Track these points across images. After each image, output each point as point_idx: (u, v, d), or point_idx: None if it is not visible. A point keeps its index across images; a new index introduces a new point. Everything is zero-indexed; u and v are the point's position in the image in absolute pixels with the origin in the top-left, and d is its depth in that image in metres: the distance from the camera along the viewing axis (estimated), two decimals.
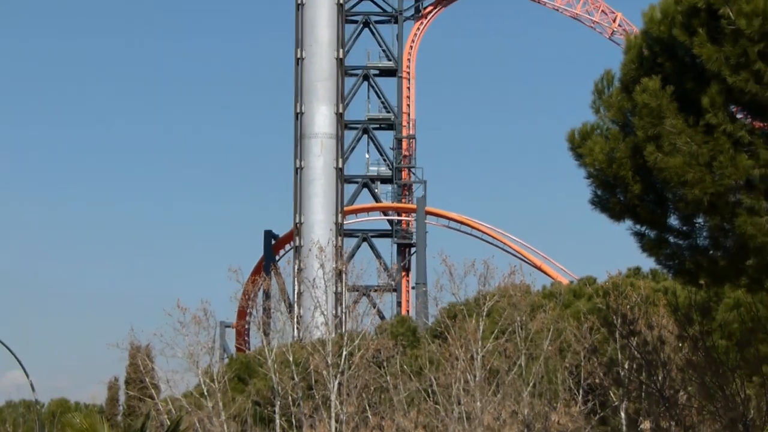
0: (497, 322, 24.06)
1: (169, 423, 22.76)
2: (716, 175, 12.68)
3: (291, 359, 24.91)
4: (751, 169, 12.77)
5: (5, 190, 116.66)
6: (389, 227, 56.70)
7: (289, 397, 24.89)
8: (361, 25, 57.36)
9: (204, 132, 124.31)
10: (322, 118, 45.01)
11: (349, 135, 54.77)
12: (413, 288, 53.08)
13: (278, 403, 24.40)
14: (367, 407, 23.98)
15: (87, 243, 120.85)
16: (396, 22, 57.34)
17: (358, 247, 53.60)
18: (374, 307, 32.67)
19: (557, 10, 59.75)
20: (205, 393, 24.27)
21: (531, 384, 22.93)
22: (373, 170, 57.56)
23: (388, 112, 57.06)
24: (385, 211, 57.99)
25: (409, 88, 58.18)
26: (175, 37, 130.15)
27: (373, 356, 25.10)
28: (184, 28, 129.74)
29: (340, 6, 46.48)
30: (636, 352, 20.96)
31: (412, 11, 58.62)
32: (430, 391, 23.70)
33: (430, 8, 59.24)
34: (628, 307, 21.38)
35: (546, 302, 25.94)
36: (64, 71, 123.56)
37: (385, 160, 57.17)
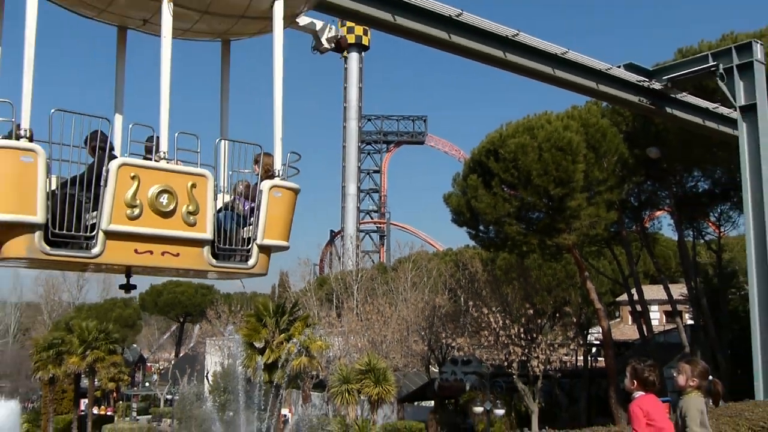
0: (417, 266, 53.47)
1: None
2: (496, 210, 28.97)
3: (339, 277, 55.64)
4: (508, 208, 29.06)
5: None
6: (376, 228, 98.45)
7: (338, 290, 52.93)
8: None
9: None
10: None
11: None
12: (386, 251, 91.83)
13: (335, 292, 53.63)
14: (368, 297, 49.80)
15: None
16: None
17: (366, 234, 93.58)
18: (370, 258, 68.29)
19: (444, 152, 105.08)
20: (309, 288, 53.85)
21: (427, 288, 50.16)
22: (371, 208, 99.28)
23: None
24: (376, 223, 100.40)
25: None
26: None
27: (370, 276, 53.50)
28: None
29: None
30: (462, 279, 46.53)
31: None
32: (392, 289, 50.63)
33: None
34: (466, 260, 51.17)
35: (434, 258, 57.07)
36: None
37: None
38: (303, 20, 9.40)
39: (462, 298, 44.98)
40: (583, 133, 28.48)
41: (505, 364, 36.72)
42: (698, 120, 19.86)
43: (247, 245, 7.87)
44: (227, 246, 7.68)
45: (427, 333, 45.47)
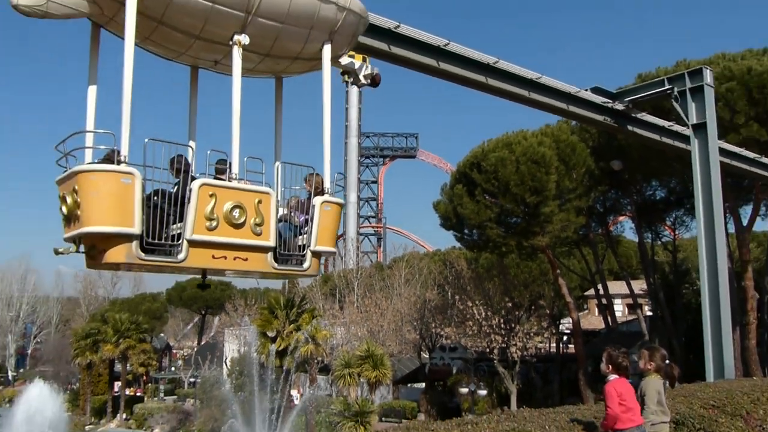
0: (410, 264, 54.13)
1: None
2: (479, 215, 32.47)
3: (342, 275, 55.69)
4: (489, 214, 30.31)
5: None
6: (374, 232, 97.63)
7: (341, 286, 53.42)
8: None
9: None
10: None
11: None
12: (382, 252, 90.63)
13: (337, 288, 54.38)
14: (366, 292, 51.34)
15: None
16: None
17: (365, 237, 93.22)
18: (369, 258, 67.59)
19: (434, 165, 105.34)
20: (315, 284, 52.83)
21: (419, 284, 51.47)
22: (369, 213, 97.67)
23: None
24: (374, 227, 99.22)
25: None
26: None
27: (368, 273, 54.03)
28: None
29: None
30: (450, 276, 48.47)
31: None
32: (388, 285, 51.48)
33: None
34: (453, 258, 51.22)
35: (425, 258, 56.89)
36: None
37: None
38: (344, 60, 9.58)
39: (449, 293, 45.30)
40: (555, 148, 28.59)
41: (487, 350, 36.81)
42: (656, 137, 19.88)
43: (302, 251, 8.22)
44: (286, 252, 8.04)
45: (419, 323, 45.55)
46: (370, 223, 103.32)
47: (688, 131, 18.48)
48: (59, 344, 63.19)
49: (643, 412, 6.71)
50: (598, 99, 18.17)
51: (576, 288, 43.79)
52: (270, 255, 7.79)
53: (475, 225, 31.01)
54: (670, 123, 19.84)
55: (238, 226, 7.45)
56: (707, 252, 17.71)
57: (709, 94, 18.28)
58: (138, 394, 57.43)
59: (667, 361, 6.95)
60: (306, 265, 8.18)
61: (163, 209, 7.20)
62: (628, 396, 6.46)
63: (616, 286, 44.64)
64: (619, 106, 18.42)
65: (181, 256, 7.15)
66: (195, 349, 74.34)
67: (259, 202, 7.60)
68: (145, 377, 58.33)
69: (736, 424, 8.44)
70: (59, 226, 7.51)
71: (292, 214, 8.54)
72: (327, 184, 8.37)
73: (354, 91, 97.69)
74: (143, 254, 6.98)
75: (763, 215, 34.06)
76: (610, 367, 6.62)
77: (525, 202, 28.49)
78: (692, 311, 35.09)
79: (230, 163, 7.79)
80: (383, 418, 37.45)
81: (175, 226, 7.30)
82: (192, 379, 58.50)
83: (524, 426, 6.93)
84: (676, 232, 38.96)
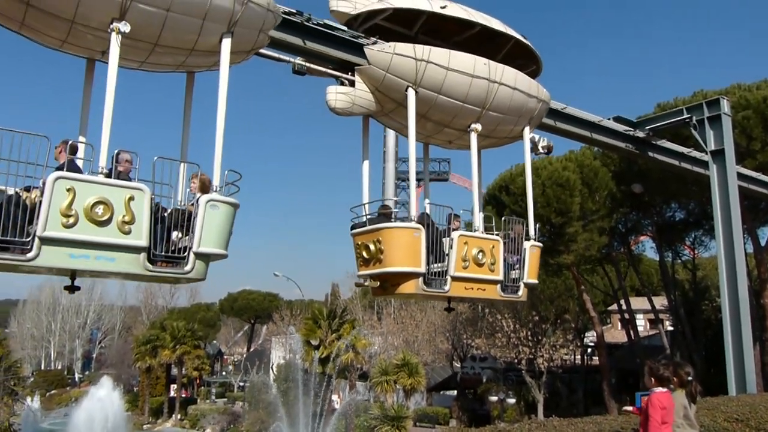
0: None
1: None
2: None
3: None
4: None
5: None
6: None
7: (379, 299, 54.28)
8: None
9: None
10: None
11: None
12: None
13: (376, 300, 53.82)
14: (402, 305, 48.75)
15: None
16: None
17: None
18: None
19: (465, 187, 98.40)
20: (355, 297, 54.01)
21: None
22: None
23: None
24: None
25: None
26: None
27: None
28: None
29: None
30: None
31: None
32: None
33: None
34: None
35: None
36: None
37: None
38: (526, 134, 10.43)
39: (479, 307, 44.35)
40: (579, 172, 28.35)
41: (516, 361, 36.37)
42: (675, 162, 19.55)
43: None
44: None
45: (451, 334, 45.13)
46: None
47: (706, 157, 18.14)
48: (121, 349, 64.13)
49: None
50: (620, 127, 17.95)
51: (599, 303, 42.96)
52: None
53: None
54: (689, 149, 19.51)
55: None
56: (727, 271, 17.30)
57: (727, 123, 17.96)
58: (192, 396, 57.97)
59: (690, 378, 6.77)
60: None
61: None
62: (671, 410, 6.27)
63: (638, 302, 43.74)
64: (640, 134, 18.16)
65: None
66: (244, 356, 75.20)
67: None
68: (198, 381, 58.82)
69: None
70: None
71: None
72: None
73: None
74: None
75: None
76: (653, 380, 6.44)
77: (551, 223, 28.13)
78: (712, 326, 34.23)
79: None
80: (417, 423, 37.18)
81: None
82: (241, 383, 58.76)
83: None
84: (696, 252, 38.15)
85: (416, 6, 9.73)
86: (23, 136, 6.20)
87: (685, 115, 18.15)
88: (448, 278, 9.10)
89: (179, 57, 8.01)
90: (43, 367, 77.11)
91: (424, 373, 31.81)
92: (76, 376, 74.99)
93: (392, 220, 9.26)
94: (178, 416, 48.68)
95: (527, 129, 10.77)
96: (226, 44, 7.69)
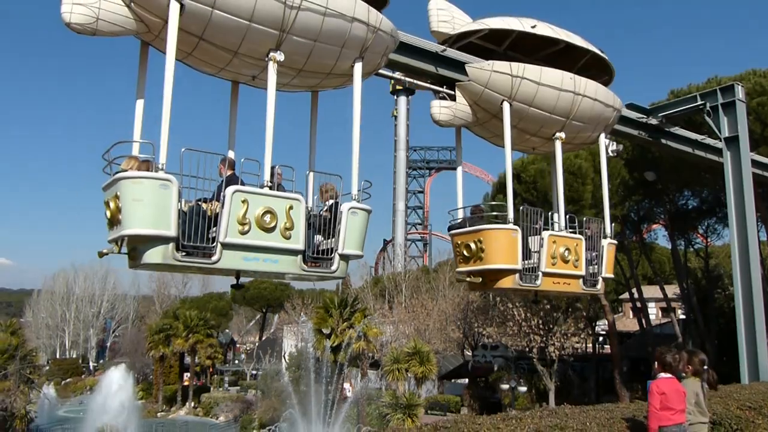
0: (454, 268, 53.41)
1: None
2: None
3: (391, 277, 55.75)
4: None
5: None
6: (420, 238, 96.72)
7: (390, 287, 53.60)
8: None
9: None
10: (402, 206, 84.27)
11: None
12: (428, 256, 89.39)
13: (387, 289, 54.31)
14: (413, 293, 50.93)
15: None
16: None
17: (413, 242, 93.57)
18: (416, 262, 67.56)
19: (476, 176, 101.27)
20: (366, 286, 54.59)
21: (462, 286, 51.51)
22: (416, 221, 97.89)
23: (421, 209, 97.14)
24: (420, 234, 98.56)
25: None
26: None
27: (415, 276, 53.99)
28: None
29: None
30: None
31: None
32: (434, 287, 51.28)
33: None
34: None
35: None
36: None
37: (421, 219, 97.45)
38: (602, 139, 11.76)
39: (491, 295, 44.16)
40: (591, 160, 28.05)
41: (527, 349, 36.26)
42: (689, 149, 19.37)
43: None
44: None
45: (462, 323, 45.07)
46: (417, 229, 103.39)
47: (720, 144, 17.97)
48: (135, 338, 64.79)
49: None
50: (633, 114, 17.78)
51: (611, 291, 42.81)
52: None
53: None
54: (703, 136, 19.32)
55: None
56: (740, 259, 17.17)
57: (741, 109, 17.75)
58: (205, 384, 58.46)
59: (706, 367, 6.75)
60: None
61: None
62: (673, 395, 6.22)
63: (650, 291, 43.57)
64: (653, 121, 18.00)
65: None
66: (257, 344, 76.40)
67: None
68: (211, 369, 59.35)
69: None
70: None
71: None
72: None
73: (402, 108, 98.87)
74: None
75: None
76: (658, 365, 6.44)
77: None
78: (724, 315, 34.05)
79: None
80: (429, 411, 37.27)
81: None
82: (254, 372, 59.32)
83: (566, 422, 6.85)
84: (708, 240, 37.88)
85: (510, 27, 10.82)
86: (205, 155, 7.02)
87: (699, 102, 17.95)
88: (540, 274, 10.20)
89: (316, 80, 8.90)
90: (58, 356, 78.38)
91: (435, 362, 31.87)
92: (91, 364, 75.92)
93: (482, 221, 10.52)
94: (192, 404, 49.15)
95: (602, 135, 12.09)
96: (358, 68, 8.53)
